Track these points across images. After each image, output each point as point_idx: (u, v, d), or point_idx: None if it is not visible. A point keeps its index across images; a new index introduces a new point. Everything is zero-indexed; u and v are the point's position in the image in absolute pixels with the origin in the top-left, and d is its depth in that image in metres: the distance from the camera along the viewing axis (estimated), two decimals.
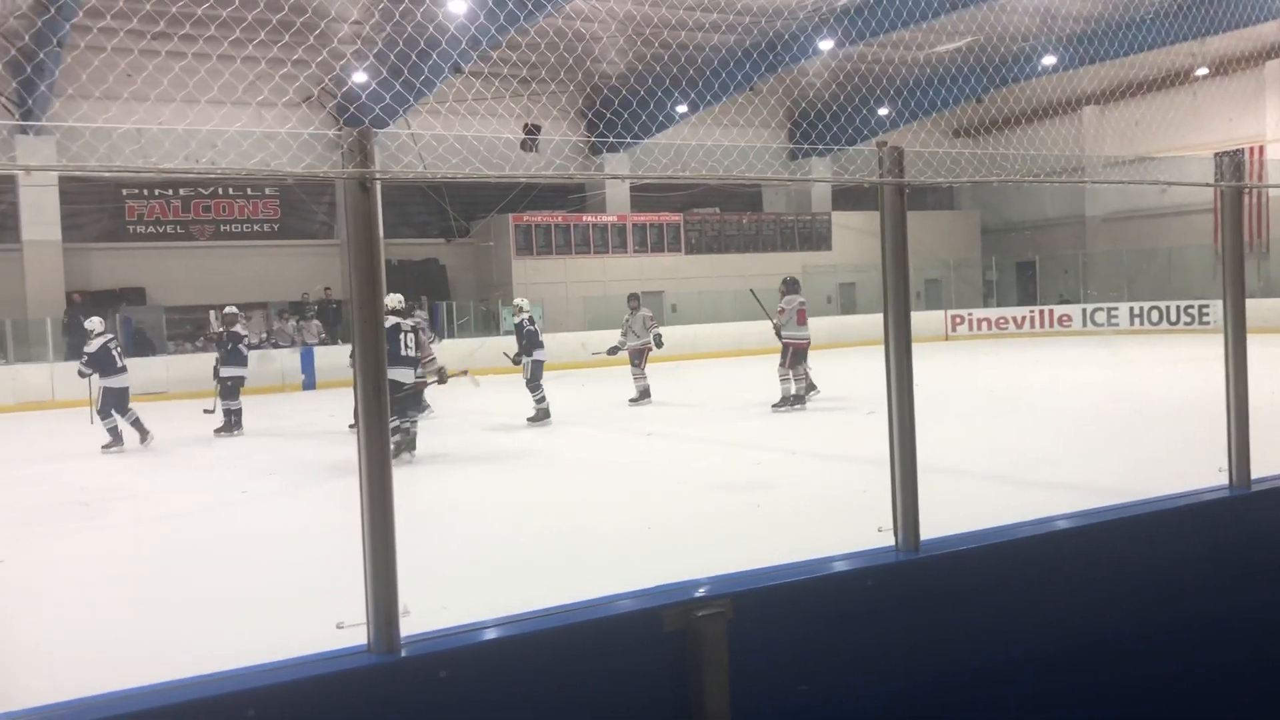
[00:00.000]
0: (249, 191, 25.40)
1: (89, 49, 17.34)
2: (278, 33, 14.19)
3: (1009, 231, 32.59)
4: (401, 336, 10.67)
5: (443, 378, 12.00)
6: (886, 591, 2.89)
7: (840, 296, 29.94)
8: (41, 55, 18.13)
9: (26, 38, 17.24)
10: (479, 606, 2.73)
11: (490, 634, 2.40)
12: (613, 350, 15.59)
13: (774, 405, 13.40)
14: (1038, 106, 27.33)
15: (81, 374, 12.36)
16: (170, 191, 24.47)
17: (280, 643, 2.53)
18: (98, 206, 23.86)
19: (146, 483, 10.37)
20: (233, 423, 13.44)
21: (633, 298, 15.85)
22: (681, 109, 24.97)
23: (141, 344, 21.11)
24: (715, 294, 26.74)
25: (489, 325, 25.21)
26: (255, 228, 25.60)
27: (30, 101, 20.19)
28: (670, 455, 10.93)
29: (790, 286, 13.73)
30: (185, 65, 13.76)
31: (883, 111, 27.11)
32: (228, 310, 14.45)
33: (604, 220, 27.76)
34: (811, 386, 13.82)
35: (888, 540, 2.98)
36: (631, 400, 15.03)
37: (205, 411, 13.45)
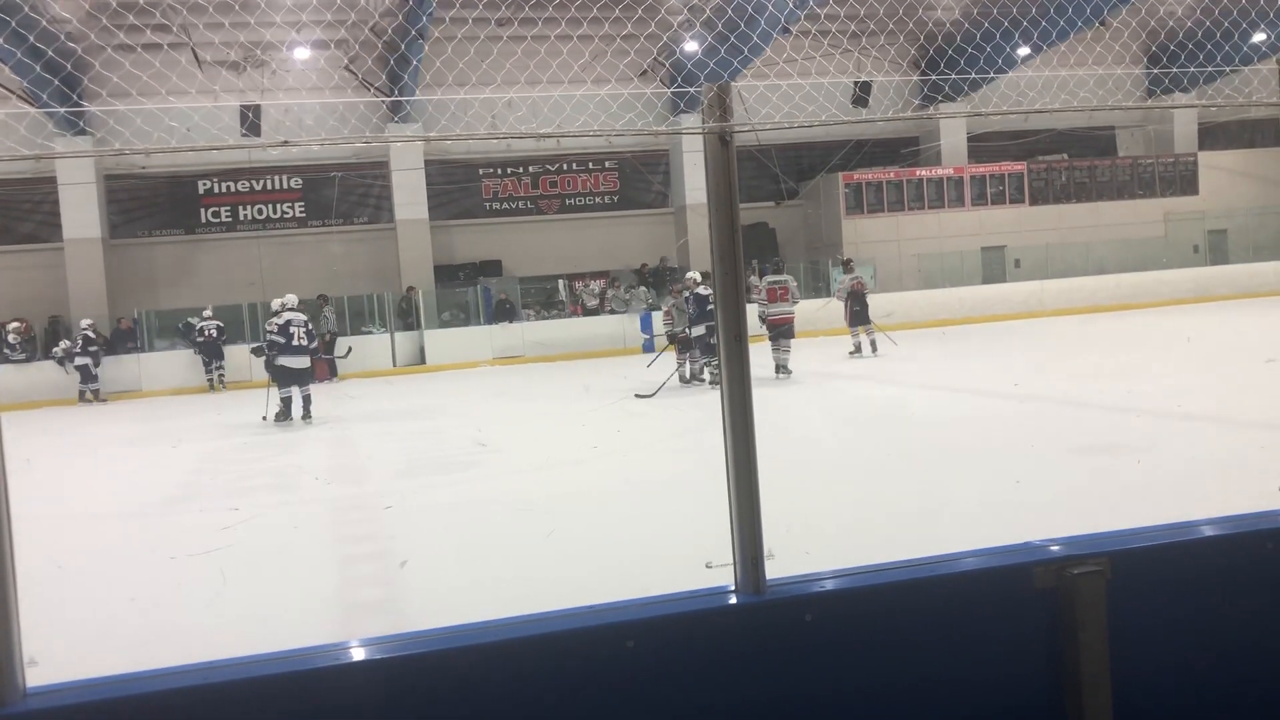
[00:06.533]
0: (590, 166, 26.68)
1: (442, 39, 18.91)
2: (609, 8, 14.73)
3: None
4: (293, 330, 12.89)
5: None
6: None
7: (1208, 245, 27.10)
8: (403, 47, 19.96)
9: (390, 32, 19.03)
10: (834, 558, 2.73)
11: (855, 581, 2.39)
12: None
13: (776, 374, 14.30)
14: None
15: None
16: (521, 169, 26.20)
17: (652, 580, 2.65)
18: (458, 186, 26.00)
19: (506, 440, 11.24)
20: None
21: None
22: (1023, 51, 23.46)
23: (501, 312, 22.83)
24: (1063, 246, 25.09)
25: (819, 286, 25.07)
26: (597, 200, 26.89)
27: (395, 90, 22.32)
28: (1035, 413, 10.41)
29: (773, 267, 15.56)
30: (525, 47, 14.64)
31: (1258, 38, 24.14)
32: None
33: (939, 174, 26.72)
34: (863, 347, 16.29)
35: None
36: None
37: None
